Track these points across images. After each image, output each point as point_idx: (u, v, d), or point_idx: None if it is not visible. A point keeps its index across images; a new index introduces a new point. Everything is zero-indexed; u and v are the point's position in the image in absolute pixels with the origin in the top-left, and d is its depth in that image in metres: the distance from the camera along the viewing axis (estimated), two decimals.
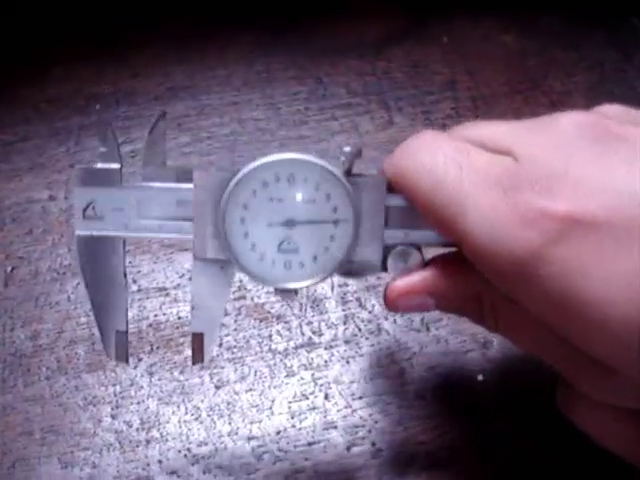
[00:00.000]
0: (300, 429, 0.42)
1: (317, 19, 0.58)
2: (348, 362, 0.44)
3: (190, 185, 0.35)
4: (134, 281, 0.47)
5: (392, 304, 0.36)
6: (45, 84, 0.55)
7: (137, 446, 0.42)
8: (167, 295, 0.47)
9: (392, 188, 0.35)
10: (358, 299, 0.46)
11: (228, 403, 0.43)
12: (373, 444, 0.42)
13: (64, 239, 0.49)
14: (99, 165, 0.36)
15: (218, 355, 0.44)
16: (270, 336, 0.45)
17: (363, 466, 0.41)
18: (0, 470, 0.41)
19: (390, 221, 0.35)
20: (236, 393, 0.43)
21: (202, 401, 0.43)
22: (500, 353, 0.44)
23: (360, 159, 0.35)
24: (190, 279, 0.37)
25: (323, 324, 0.46)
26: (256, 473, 0.41)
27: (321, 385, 0.44)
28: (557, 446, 0.41)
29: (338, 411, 0.43)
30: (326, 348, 0.45)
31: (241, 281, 0.47)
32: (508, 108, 0.54)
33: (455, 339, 0.45)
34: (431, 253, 0.36)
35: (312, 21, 0.58)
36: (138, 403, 0.43)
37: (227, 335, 0.45)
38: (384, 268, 0.36)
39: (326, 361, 0.44)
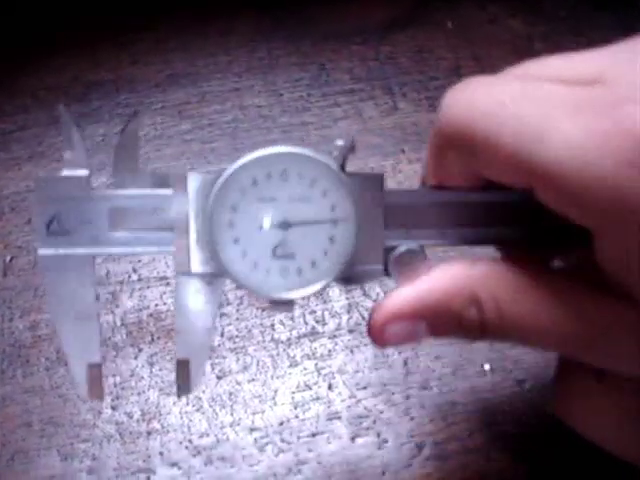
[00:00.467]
0: (303, 420, 0.42)
1: (319, 4, 0.57)
2: (352, 352, 0.44)
3: (168, 190, 0.32)
4: (134, 270, 0.46)
5: (378, 333, 0.32)
6: (44, 72, 0.55)
7: (138, 438, 0.41)
8: (168, 284, 0.46)
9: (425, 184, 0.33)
10: (362, 287, 0.46)
11: (230, 394, 0.42)
12: (378, 435, 0.41)
13: None
14: (64, 172, 0.32)
15: (220, 345, 0.44)
16: (273, 325, 0.45)
17: (368, 457, 0.41)
18: None
19: (389, 221, 0.33)
20: (238, 383, 0.43)
21: (204, 392, 0.42)
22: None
23: (363, 149, 0.33)
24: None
25: (327, 313, 0.45)
26: (259, 465, 0.40)
27: (325, 375, 0.43)
28: (565, 435, 0.40)
29: (342, 401, 0.42)
30: (330, 337, 0.44)
31: None
32: None
33: None
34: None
35: (314, 6, 0.57)
36: (139, 394, 0.43)
37: (229, 324, 0.44)
38: (387, 272, 0.33)
39: (330, 351, 0.44)
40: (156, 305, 0.45)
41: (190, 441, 0.41)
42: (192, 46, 0.56)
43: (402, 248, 0.33)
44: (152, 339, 0.44)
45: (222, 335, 0.44)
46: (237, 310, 0.45)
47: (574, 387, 0.34)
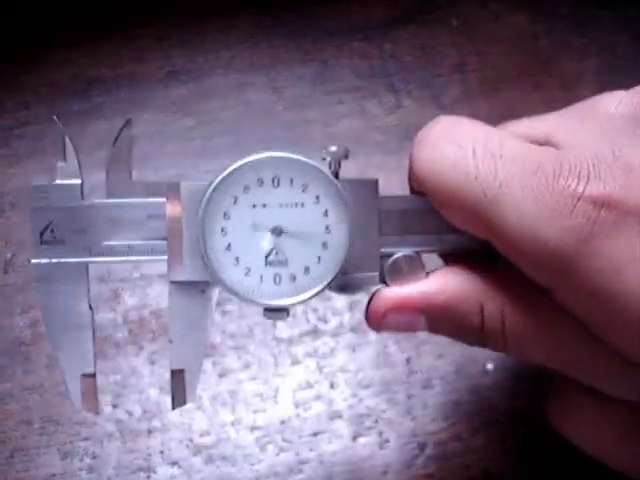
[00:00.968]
0: (305, 419, 0.42)
1: (321, 0, 0.57)
2: (354, 350, 0.43)
3: (161, 199, 0.32)
4: (136, 268, 0.46)
5: (377, 319, 0.33)
6: (45, 69, 0.54)
7: (138, 436, 0.41)
8: None
9: (413, 190, 0.33)
10: None
11: (231, 392, 0.42)
12: (380, 434, 0.41)
13: None
14: (57, 181, 0.33)
15: (221, 343, 0.44)
16: (274, 323, 0.44)
17: (370, 457, 0.40)
18: None
19: (384, 227, 0.33)
20: (239, 382, 0.43)
21: (205, 390, 0.42)
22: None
23: (346, 160, 0.32)
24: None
25: (329, 311, 0.45)
26: (260, 464, 0.40)
27: (326, 374, 0.43)
28: None
29: (344, 400, 0.42)
30: (332, 336, 0.44)
31: None
32: (518, 90, 0.53)
33: None
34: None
35: (316, 3, 0.56)
36: (139, 392, 0.42)
37: (230, 322, 0.44)
38: (382, 280, 0.33)
39: (332, 349, 0.44)
40: (158, 303, 0.45)
41: (191, 440, 0.41)
42: (193, 42, 0.55)
43: (398, 255, 0.33)
44: (153, 337, 0.44)
45: (223, 333, 0.44)
46: (238, 308, 0.45)
47: (570, 400, 0.34)
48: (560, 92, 0.53)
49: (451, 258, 0.34)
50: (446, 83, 0.54)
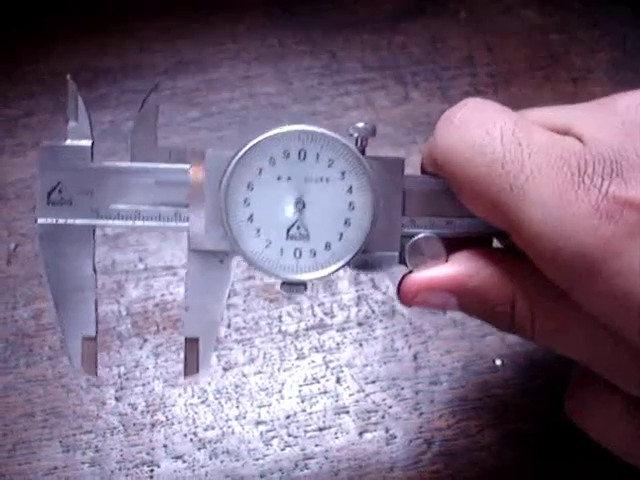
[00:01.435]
0: (311, 414, 0.41)
1: None
2: (361, 345, 0.43)
3: (183, 165, 0.32)
4: (140, 259, 0.46)
5: (408, 298, 0.33)
6: (50, 58, 0.54)
7: (142, 430, 0.41)
8: (174, 274, 0.45)
9: (425, 171, 0.33)
10: (372, 280, 0.45)
11: (236, 386, 0.42)
12: (387, 430, 0.41)
13: None
14: (68, 142, 0.32)
15: (226, 336, 0.43)
16: (280, 317, 0.44)
17: (376, 453, 0.40)
18: (0, 452, 0.40)
19: (408, 207, 0.33)
20: (244, 376, 0.42)
21: (209, 384, 0.42)
22: (519, 337, 0.42)
23: (374, 138, 0.33)
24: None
25: (335, 305, 0.44)
26: (265, 459, 0.40)
27: (333, 368, 0.42)
28: (576, 432, 0.39)
29: (350, 395, 0.42)
30: (338, 330, 0.43)
31: None
32: (528, 84, 0.53)
33: (472, 322, 0.43)
34: None
35: None
36: (143, 385, 0.42)
37: (236, 316, 0.44)
38: (402, 260, 0.33)
39: (338, 344, 0.43)
40: (162, 295, 0.45)
41: (195, 434, 0.41)
42: (200, 33, 0.55)
43: (419, 236, 0.33)
44: (157, 329, 0.44)
45: (229, 326, 0.43)
46: (244, 301, 0.44)
47: (591, 394, 0.34)
48: (570, 86, 0.53)
49: (464, 241, 0.34)
50: (454, 76, 0.53)
